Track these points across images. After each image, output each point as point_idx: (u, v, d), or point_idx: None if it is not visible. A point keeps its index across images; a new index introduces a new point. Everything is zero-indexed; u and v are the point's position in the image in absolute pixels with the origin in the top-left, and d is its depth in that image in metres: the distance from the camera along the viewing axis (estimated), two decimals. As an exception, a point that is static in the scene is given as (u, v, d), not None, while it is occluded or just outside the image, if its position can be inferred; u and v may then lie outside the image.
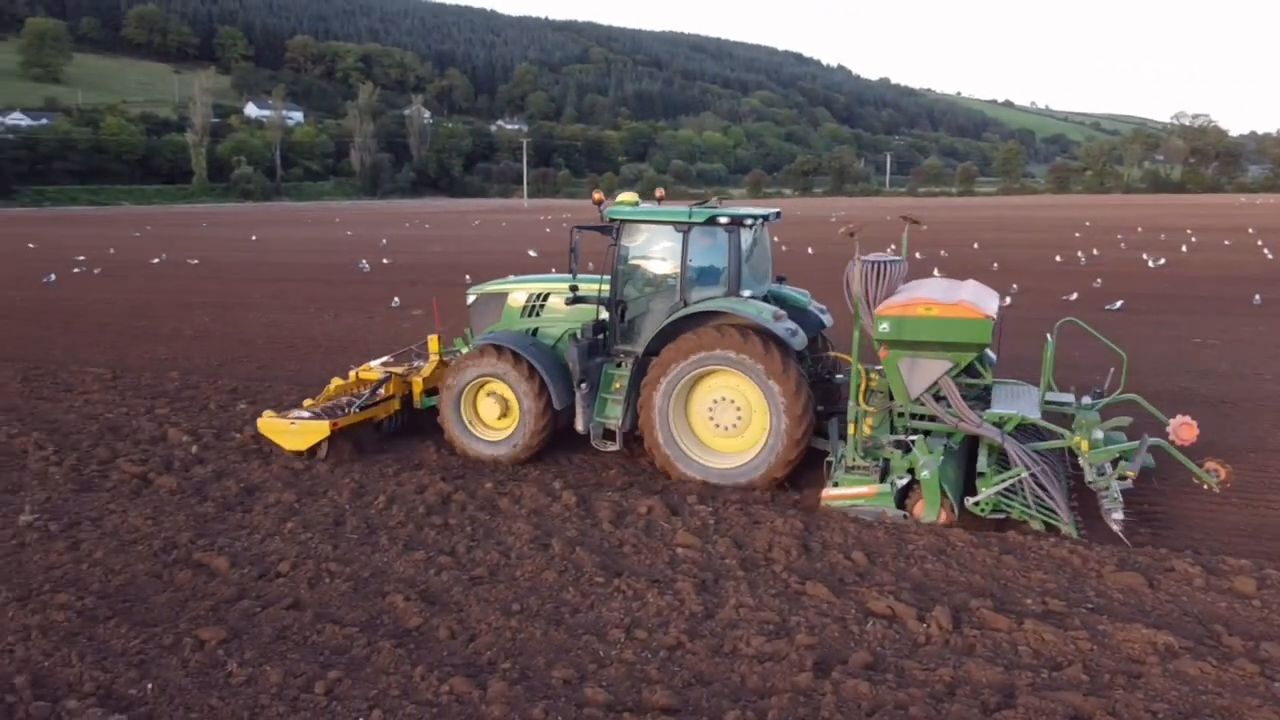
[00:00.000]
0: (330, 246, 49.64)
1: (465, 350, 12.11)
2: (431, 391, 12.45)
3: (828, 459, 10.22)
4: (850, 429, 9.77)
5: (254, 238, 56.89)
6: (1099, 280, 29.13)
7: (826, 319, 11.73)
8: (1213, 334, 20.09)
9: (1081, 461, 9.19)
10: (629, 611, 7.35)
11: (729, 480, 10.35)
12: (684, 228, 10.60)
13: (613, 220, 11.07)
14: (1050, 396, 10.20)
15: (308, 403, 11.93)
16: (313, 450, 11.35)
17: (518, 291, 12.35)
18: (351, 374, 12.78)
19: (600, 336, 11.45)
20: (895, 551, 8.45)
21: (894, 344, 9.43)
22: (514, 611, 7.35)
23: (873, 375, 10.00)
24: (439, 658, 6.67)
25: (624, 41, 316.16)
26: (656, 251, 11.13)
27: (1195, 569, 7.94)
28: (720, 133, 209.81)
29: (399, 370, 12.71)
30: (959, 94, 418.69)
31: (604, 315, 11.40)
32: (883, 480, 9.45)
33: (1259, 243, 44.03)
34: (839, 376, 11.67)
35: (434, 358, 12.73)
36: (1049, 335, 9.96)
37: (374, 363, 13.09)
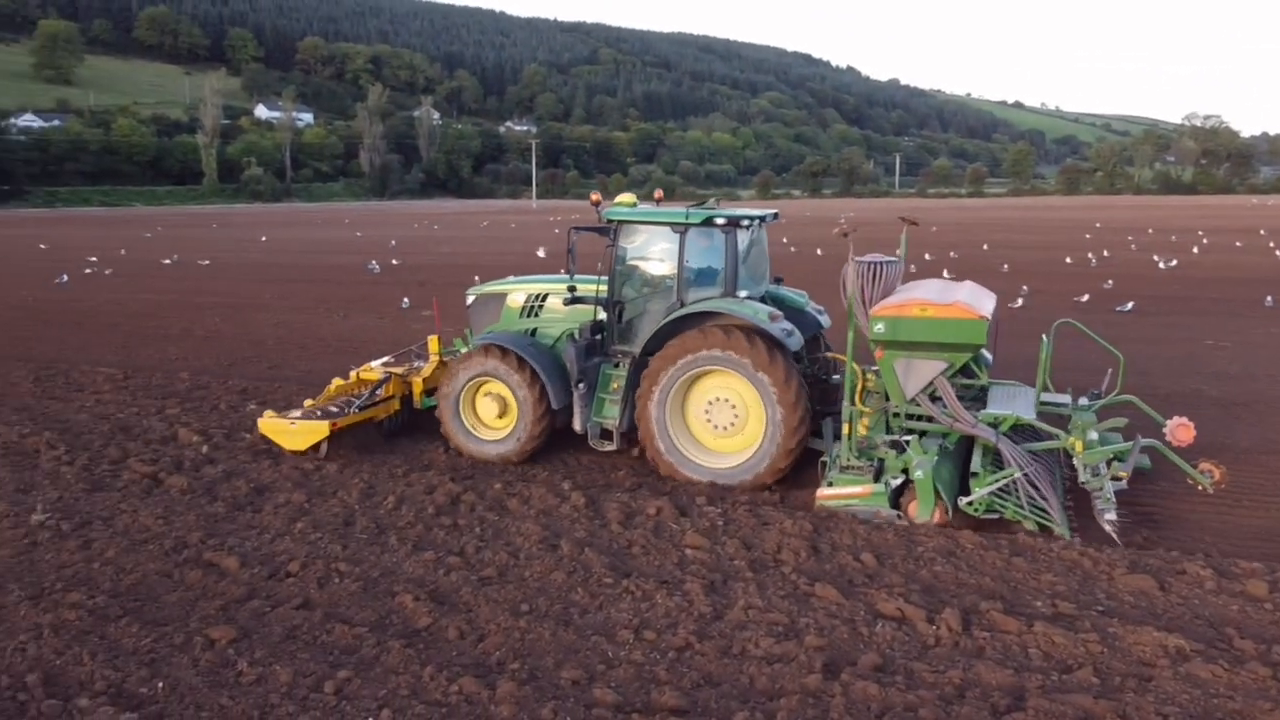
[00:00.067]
0: (340, 247, 49.80)
1: (465, 350, 12.15)
2: (431, 392, 12.50)
3: (822, 459, 10.24)
4: (845, 429, 9.79)
5: (264, 239, 57.11)
6: (1110, 282, 29.02)
7: (824, 320, 11.77)
8: (1224, 336, 19.99)
9: (1075, 462, 9.19)
10: (638, 612, 7.35)
11: (726, 480, 10.39)
12: (681, 229, 10.65)
13: (610, 221, 11.12)
14: (1047, 397, 10.22)
15: (308, 403, 12.00)
16: (312, 450, 11.41)
17: (516, 292, 12.41)
18: (352, 374, 12.85)
19: (598, 337, 11.50)
20: (905, 553, 8.43)
21: (889, 344, 9.45)
22: (523, 612, 7.35)
23: (869, 376, 10.02)
24: (448, 658, 6.68)
25: (633, 42, 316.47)
26: (654, 252, 11.18)
27: (1207, 572, 7.90)
28: (729, 134, 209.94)
29: (399, 370, 12.77)
30: (969, 95, 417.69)
31: (602, 316, 11.45)
32: (877, 480, 9.46)
33: (1271, 244, 43.83)
34: (836, 377, 11.67)
35: (434, 358, 12.79)
36: (1045, 336, 9.96)
37: (374, 363, 13.15)
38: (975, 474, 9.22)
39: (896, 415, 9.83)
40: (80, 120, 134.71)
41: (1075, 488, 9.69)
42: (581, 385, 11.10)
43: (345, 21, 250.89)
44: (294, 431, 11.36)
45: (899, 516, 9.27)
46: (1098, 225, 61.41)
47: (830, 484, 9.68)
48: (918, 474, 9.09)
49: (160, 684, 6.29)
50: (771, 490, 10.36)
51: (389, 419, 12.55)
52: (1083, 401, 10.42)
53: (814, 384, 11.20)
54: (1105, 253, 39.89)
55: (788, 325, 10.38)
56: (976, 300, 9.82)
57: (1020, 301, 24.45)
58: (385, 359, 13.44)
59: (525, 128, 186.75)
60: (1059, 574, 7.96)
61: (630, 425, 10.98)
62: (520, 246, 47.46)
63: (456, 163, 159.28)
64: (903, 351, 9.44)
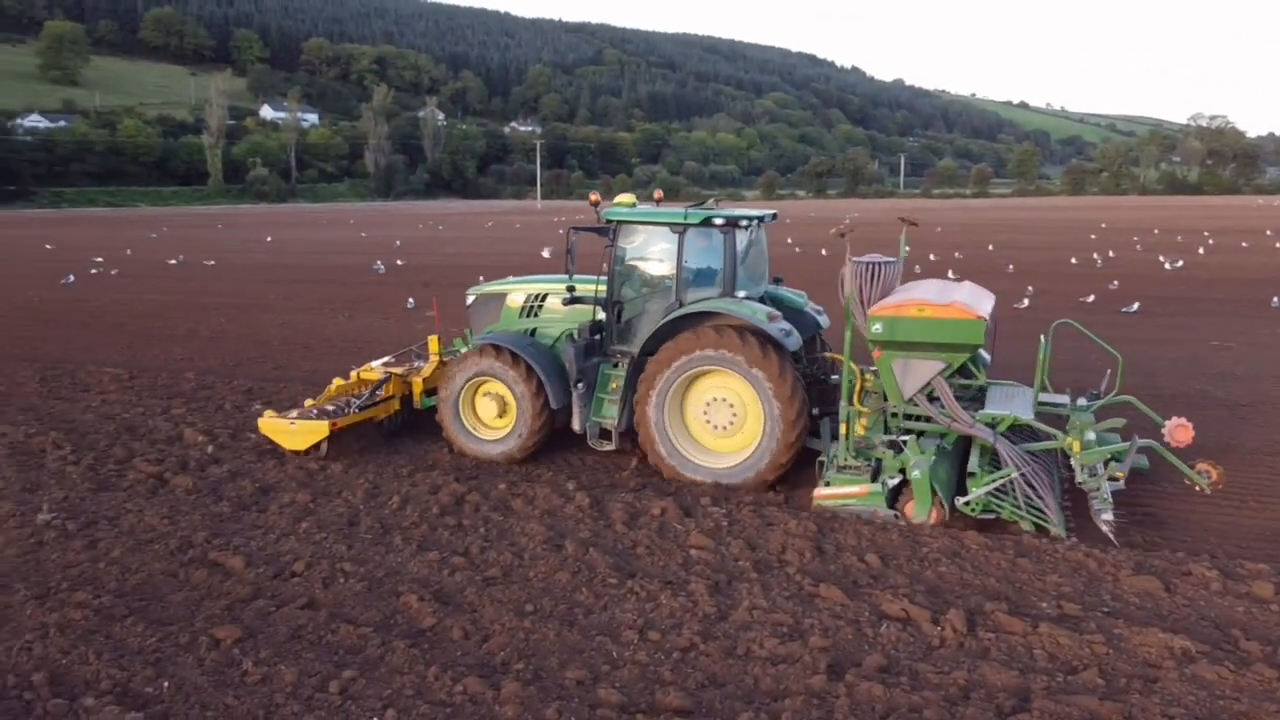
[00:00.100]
0: (344, 248, 49.87)
1: (464, 350, 12.19)
2: (431, 391, 12.54)
3: (820, 458, 10.25)
4: (842, 429, 9.80)
5: (269, 239, 57.19)
6: (1115, 282, 28.96)
7: (823, 320, 11.79)
8: (1230, 337, 19.94)
9: (1073, 462, 9.20)
10: (642, 613, 7.35)
11: (723, 479, 10.41)
12: (679, 229, 10.67)
13: (609, 221, 11.15)
14: (1045, 398, 10.23)
15: (308, 403, 12.04)
16: (312, 450, 11.44)
17: (516, 292, 12.45)
18: (353, 374, 12.89)
19: (597, 337, 11.53)
20: (909, 554, 8.42)
21: (887, 345, 9.46)
22: (527, 612, 7.36)
23: (867, 376, 10.05)
24: (453, 658, 6.69)
25: (638, 43, 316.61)
26: (652, 253, 11.21)
27: (1212, 573, 7.88)
28: (734, 134, 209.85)
29: (399, 370, 12.81)
30: (974, 95, 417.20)
31: (601, 316, 11.48)
32: (874, 480, 9.47)
33: (1277, 245, 43.74)
34: (835, 377, 11.69)
35: (434, 358, 12.83)
36: (1043, 337, 9.95)
37: (375, 363, 13.19)
38: (972, 474, 9.24)
39: (894, 415, 9.85)
40: (86, 121, 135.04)
41: (1075, 488, 9.67)
42: (580, 385, 11.14)
43: (350, 22, 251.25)
44: (294, 431, 11.40)
45: (896, 516, 9.29)
46: (1103, 226, 61.29)
47: (827, 484, 9.70)
48: (915, 474, 9.10)
49: (165, 683, 6.31)
50: (776, 490, 10.37)
51: (389, 419, 12.59)
52: (1081, 402, 10.44)
53: (812, 384, 11.22)
54: (1111, 253, 39.82)
55: (786, 325, 10.41)
56: (974, 301, 9.84)
57: (1026, 302, 24.40)
58: (385, 359, 13.49)
59: (530, 128, 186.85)
60: (1064, 575, 7.95)
61: (629, 425, 11.01)
62: (525, 247, 47.50)
63: (461, 163, 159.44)
64: (900, 352, 9.46)
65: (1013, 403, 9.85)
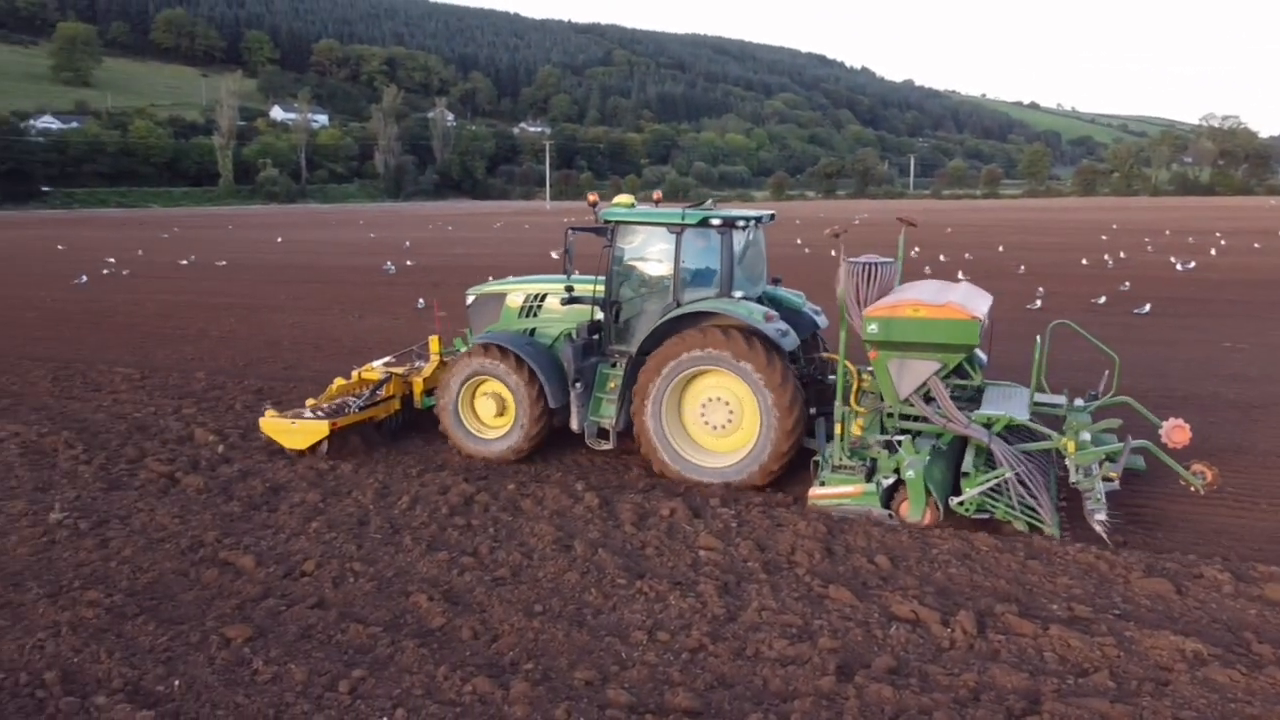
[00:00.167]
0: (354, 248, 50.01)
1: (464, 350, 12.25)
2: (431, 391, 12.60)
3: (814, 458, 10.26)
4: (837, 429, 9.82)
5: (279, 240, 57.38)
6: (1127, 283, 28.84)
7: (821, 320, 11.84)
8: (1242, 338, 19.84)
9: (1067, 462, 9.21)
10: (651, 613, 7.35)
11: (720, 479, 10.44)
12: (677, 229, 10.72)
13: (608, 222, 11.20)
14: (1043, 398, 10.27)
15: (310, 402, 12.11)
16: (313, 449, 11.50)
17: (515, 292, 12.51)
18: (354, 374, 12.95)
19: (595, 337, 11.58)
20: (919, 555, 8.41)
21: (883, 345, 9.48)
22: (536, 612, 7.37)
23: (864, 376, 10.08)
24: (462, 658, 6.70)
25: (647, 44, 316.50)
26: (650, 253, 11.27)
27: (1224, 575, 7.84)
28: (743, 135, 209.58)
29: (400, 370, 12.87)
30: (984, 96, 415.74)
31: (599, 316, 11.52)
32: (869, 480, 9.50)
33: (1290, 246, 43.46)
34: (832, 377, 11.74)
35: (434, 358, 12.89)
36: (1039, 337, 9.95)
37: (376, 363, 13.25)
38: (966, 474, 9.26)
39: (890, 415, 9.87)
40: (98, 122, 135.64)
41: (1074, 489, 9.64)
42: (579, 384, 11.20)
43: (360, 24, 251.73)
44: (295, 431, 11.48)
45: (890, 516, 9.31)
46: (1114, 227, 61.05)
47: (822, 484, 9.74)
48: (909, 474, 9.12)
49: (176, 682, 6.34)
50: (778, 491, 10.36)
51: (389, 418, 12.67)
52: (1078, 403, 10.47)
53: (810, 384, 11.27)
54: (1122, 254, 39.66)
55: (783, 325, 10.46)
56: (970, 301, 9.87)
57: (1038, 303, 24.35)
58: (386, 359, 13.57)
59: (539, 129, 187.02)
60: (1075, 577, 7.92)
61: (627, 424, 11.05)
62: (534, 248, 47.55)
63: (471, 164, 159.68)
64: (896, 352, 9.49)
65: (1009, 403, 9.88)
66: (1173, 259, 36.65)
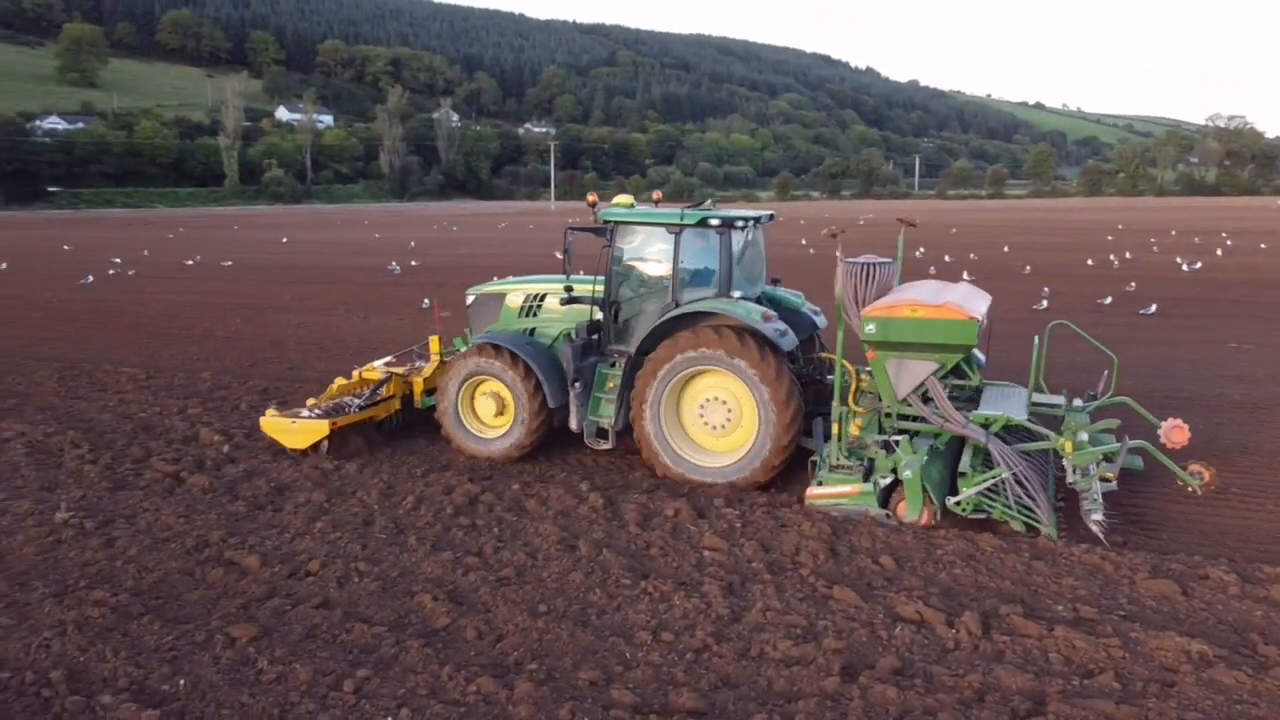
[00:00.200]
0: (360, 249, 50.07)
1: (464, 349, 12.28)
2: (432, 391, 12.63)
3: (812, 458, 10.28)
4: (834, 428, 9.84)
5: (284, 240, 57.47)
6: (1133, 284, 28.79)
7: (820, 320, 11.85)
8: (1248, 339, 19.79)
9: (1065, 462, 9.21)
10: (655, 614, 7.35)
11: (718, 479, 10.46)
12: (676, 230, 10.74)
13: (607, 222, 11.23)
14: (1041, 398, 10.30)
15: (311, 401, 12.15)
16: (313, 448, 11.54)
17: (515, 292, 12.55)
18: (355, 374, 12.99)
19: (594, 336, 11.61)
20: (924, 556, 8.40)
21: (881, 345, 9.49)
22: (541, 612, 7.37)
23: (863, 376, 10.10)
24: (466, 658, 6.70)
25: (651, 44, 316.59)
26: (649, 253, 11.30)
27: (1230, 577, 7.82)
28: (748, 135, 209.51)
29: (400, 370, 12.90)
30: (989, 96, 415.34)
31: (598, 316, 11.55)
32: (866, 480, 9.51)
33: (1296, 246, 43.33)
34: (830, 377, 11.77)
35: (435, 358, 12.92)
36: (1037, 338, 9.96)
37: (377, 363, 13.29)
38: (963, 474, 9.27)
39: (888, 415, 9.88)
40: (104, 123, 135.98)
41: (1073, 490, 9.64)
42: (578, 384, 11.23)
43: (365, 24, 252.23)
44: (295, 430, 11.51)
45: (888, 516, 9.32)
46: (1120, 227, 60.92)
47: (820, 483, 9.75)
48: (906, 474, 9.14)
49: (182, 681, 6.35)
50: (783, 491, 10.36)
51: (390, 418, 12.70)
52: (1077, 403, 10.50)
53: (809, 384, 11.29)
54: (1127, 254, 39.58)
55: (781, 325, 10.48)
56: (968, 301, 9.88)
57: (1044, 304, 24.31)
58: (387, 359, 13.60)
59: (544, 129, 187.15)
60: (1080, 578, 7.90)
61: (625, 424, 11.07)
62: (539, 248, 47.57)
63: (475, 164, 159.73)
64: (894, 352, 9.50)
65: (1007, 403, 9.89)
66: (1178, 259, 36.56)
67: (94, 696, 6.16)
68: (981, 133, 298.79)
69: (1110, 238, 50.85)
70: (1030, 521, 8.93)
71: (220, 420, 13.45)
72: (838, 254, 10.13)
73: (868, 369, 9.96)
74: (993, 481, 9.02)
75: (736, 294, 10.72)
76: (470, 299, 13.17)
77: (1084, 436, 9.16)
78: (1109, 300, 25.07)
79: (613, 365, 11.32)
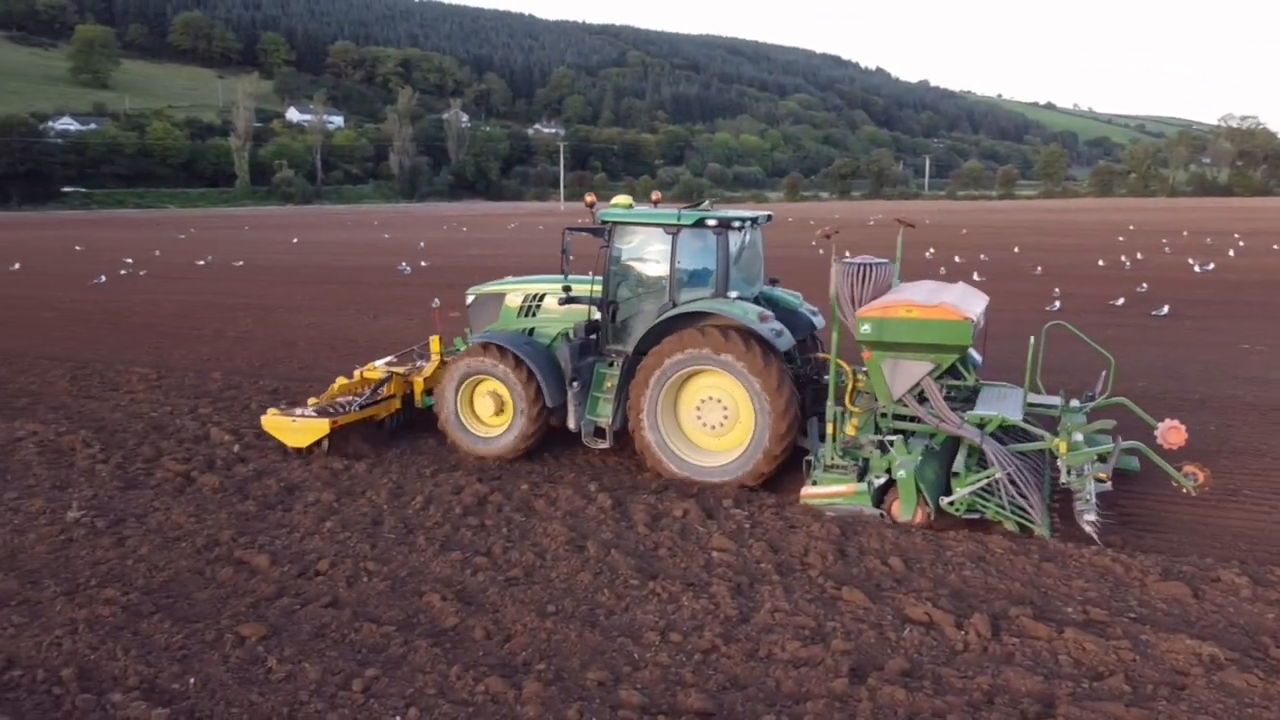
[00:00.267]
0: (369, 249, 50.20)
1: (464, 349, 12.32)
2: (432, 391, 12.68)
3: (807, 458, 10.30)
4: (829, 428, 9.86)
5: (295, 240, 57.66)
6: (1144, 285, 28.64)
7: (817, 321, 11.88)
8: (1261, 340, 19.68)
9: (1059, 463, 9.21)
10: (664, 614, 7.35)
11: (715, 478, 10.49)
12: (673, 230, 10.79)
13: (605, 222, 11.28)
14: (1038, 399, 10.34)
15: (312, 401, 12.22)
16: (313, 447, 11.60)
17: (514, 292, 12.63)
18: (356, 373, 13.05)
19: (592, 336, 11.65)
20: (933, 558, 8.37)
21: (876, 345, 9.51)
22: (549, 613, 7.38)
23: (860, 376, 10.13)
24: (475, 657, 6.71)
25: (661, 45, 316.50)
26: (647, 253, 11.35)
27: (1242, 579, 7.77)
28: (757, 136, 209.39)
29: (401, 370, 12.95)
30: (1000, 96, 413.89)
31: (596, 316, 11.58)
32: (861, 479, 9.52)
33: (1309, 247, 43.06)
34: (828, 377, 11.77)
35: (435, 358, 12.97)
36: (1033, 338, 9.97)
37: (378, 362, 13.34)
38: (957, 474, 9.28)
39: (884, 415, 9.90)
40: (116, 123, 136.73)
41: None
42: (576, 384, 11.29)
43: (375, 25, 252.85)
44: (296, 429, 11.58)
45: (882, 516, 9.34)
46: (1131, 228, 60.67)
47: (814, 483, 9.78)
48: (900, 473, 9.16)
49: (191, 680, 6.37)
50: (791, 492, 10.35)
51: (390, 418, 12.76)
52: (1074, 403, 10.52)
53: (806, 384, 11.31)
54: (1139, 255, 39.41)
55: (777, 325, 10.50)
56: (963, 302, 9.90)
57: (1057, 304, 24.23)
58: (388, 358, 13.66)
59: (553, 130, 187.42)
60: (1090, 580, 7.87)
61: (623, 424, 11.11)
62: (547, 249, 47.58)
63: (485, 165, 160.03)
64: (889, 352, 9.52)
65: (1003, 403, 9.91)
66: (1191, 260, 36.38)
67: (104, 694, 6.19)
68: (992, 133, 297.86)
69: (1122, 239, 50.64)
70: (1024, 521, 8.94)
71: (231, 420, 13.49)
72: (832, 254, 10.15)
73: (864, 369, 9.97)
74: (986, 481, 9.03)
75: (733, 294, 10.76)
76: (470, 299, 13.26)
77: (1079, 437, 9.18)
78: (1121, 301, 24.97)
79: (610, 365, 11.37)
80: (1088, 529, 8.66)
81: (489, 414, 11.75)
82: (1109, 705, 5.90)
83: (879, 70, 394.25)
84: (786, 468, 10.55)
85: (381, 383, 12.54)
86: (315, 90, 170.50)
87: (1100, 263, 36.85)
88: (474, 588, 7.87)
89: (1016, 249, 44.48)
